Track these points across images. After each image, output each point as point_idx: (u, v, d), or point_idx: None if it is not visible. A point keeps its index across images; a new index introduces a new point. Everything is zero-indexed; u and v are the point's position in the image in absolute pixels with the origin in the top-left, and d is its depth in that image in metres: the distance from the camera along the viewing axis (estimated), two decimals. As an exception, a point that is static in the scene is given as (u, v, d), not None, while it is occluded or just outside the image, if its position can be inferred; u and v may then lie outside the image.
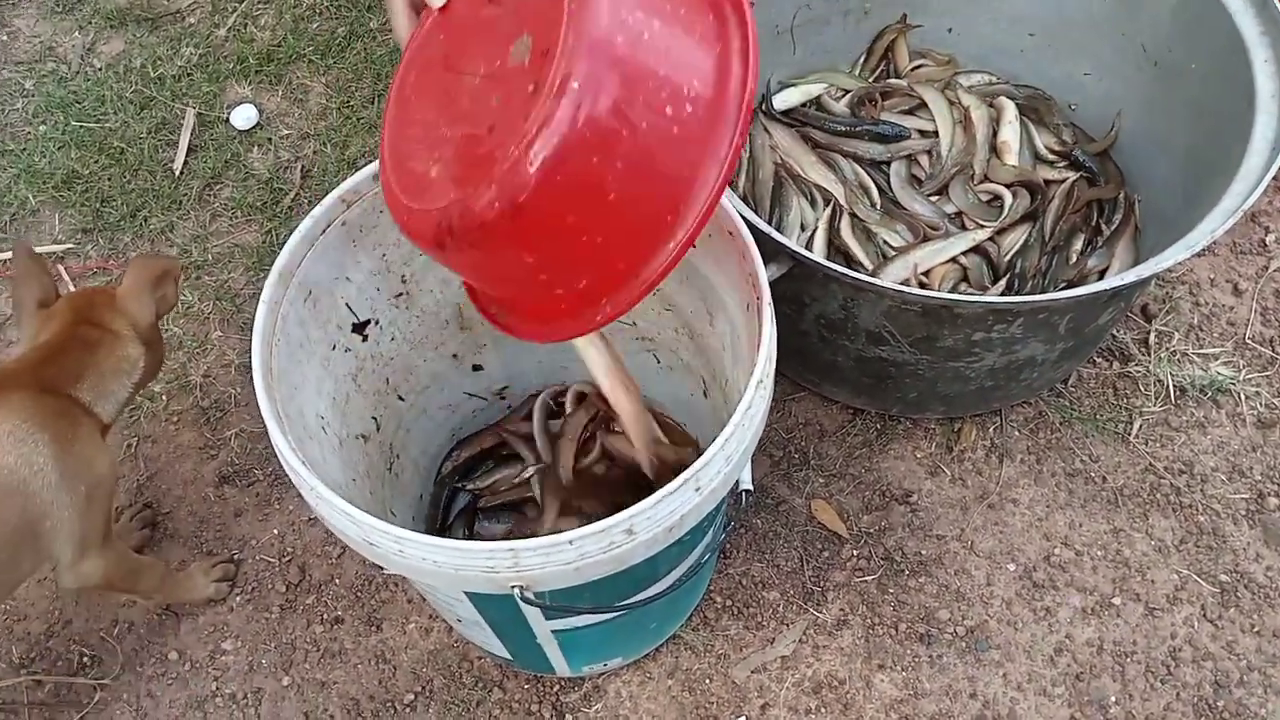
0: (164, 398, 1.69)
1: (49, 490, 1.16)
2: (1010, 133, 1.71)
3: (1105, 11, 1.61)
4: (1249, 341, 1.70)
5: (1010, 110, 1.73)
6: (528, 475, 1.49)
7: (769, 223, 1.67)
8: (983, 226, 1.62)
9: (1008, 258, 1.61)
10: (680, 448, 1.40)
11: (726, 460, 0.96)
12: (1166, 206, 1.56)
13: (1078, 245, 1.64)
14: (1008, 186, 1.67)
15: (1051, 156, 1.72)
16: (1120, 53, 1.62)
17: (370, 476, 1.26)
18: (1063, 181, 1.68)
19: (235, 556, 1.54)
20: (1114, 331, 1.70)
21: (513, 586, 0.92)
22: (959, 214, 1.66)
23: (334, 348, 1.17)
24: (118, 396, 1.28)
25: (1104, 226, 1.67)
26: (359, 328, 1.21)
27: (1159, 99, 1.59)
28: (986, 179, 1.69)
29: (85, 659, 1.47)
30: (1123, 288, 1.26)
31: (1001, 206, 1.66)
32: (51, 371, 1.23)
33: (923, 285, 1.58)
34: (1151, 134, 1.64)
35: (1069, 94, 1.77)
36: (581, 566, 0.92)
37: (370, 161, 1.85)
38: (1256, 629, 1.46)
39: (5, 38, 2.12)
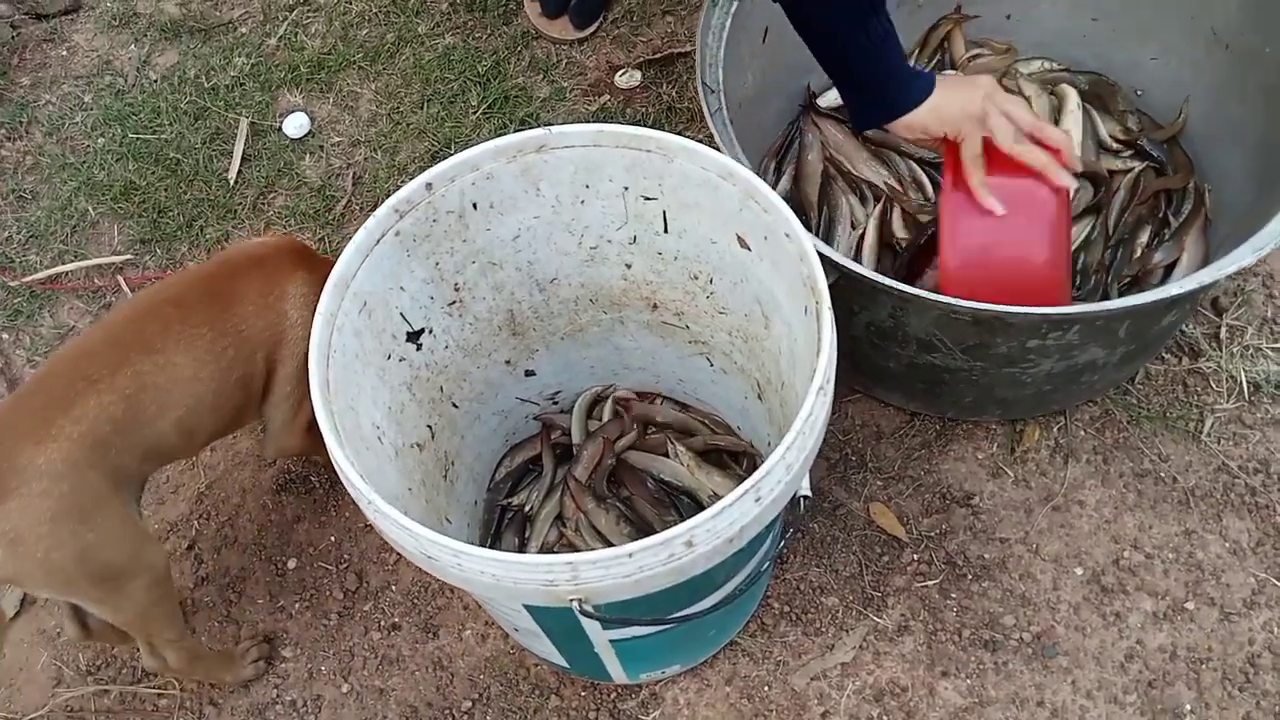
0: (222, 406, 1.70)
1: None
2: (1072, 122, 1.65)
3: None
4: (1327, 335, 1.63)
5: (1073, 98, 1.67)
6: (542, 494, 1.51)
7: (817, 221, 1.64)
8: None
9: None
10: None
11: (787, 469, 0.94)
12: (1239, 197, 1.50)
13: (1143, 238, 1.59)
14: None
15: (1116, 145, 1.67)
16: (1189, 36, 1.56)
17: (426, 485, 1.26)
18: (1128, 172, 1.62)
19: (270, 635, 1.51)
20: (1182, 328, 1.65)
21: (571, 600, 0.91)
22: None
23: (389, 357, 1.17)
24: None
25: (1172, 218, 1.61)
26: (413, 336, 1.21)
27: (1231, 84, 1.53)
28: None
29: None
30: (1182, 295, 1.21)
31: None
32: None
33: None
34: (1222, 121, 1.58)
35: (1134, 80, 1.71)
36: (640, 579, 0.91)
37: (420, 169, 1.88)
38: (1340, 635, 1.41)
39: (64, 52, 2.16)
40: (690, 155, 1.11)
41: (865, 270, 1.23)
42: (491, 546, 1.46)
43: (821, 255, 1.22)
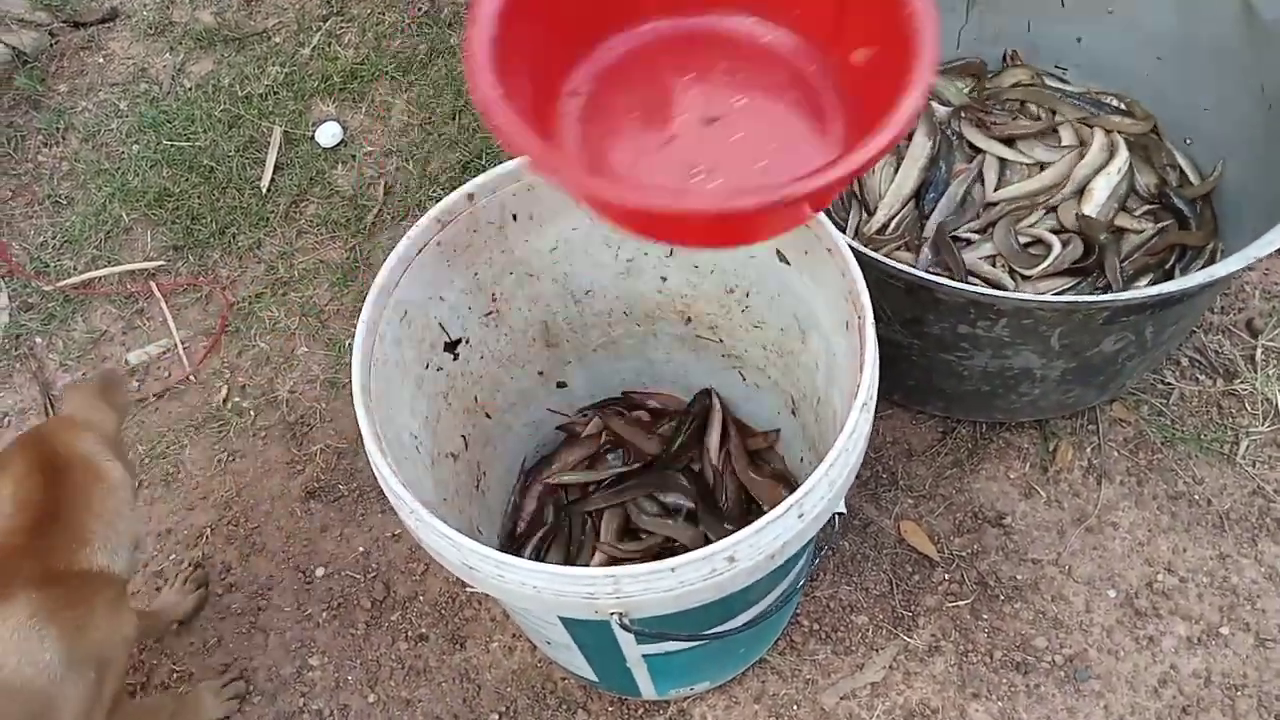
0: (251, 413, 1.71)
1: (55, 685, 1.05)
2: (1104, 183, 1.57)
3: (1234, 44, 1.49)
4: (1365, 359, 1.61)
5: (1121, 158, 1.59)
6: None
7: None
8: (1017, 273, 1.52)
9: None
10: None
11: (830, 485, 0.93)
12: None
13: (1143, 283, 1.52)
14: (1061, 233, 1.55)
15: (1147, 199, 1.60)
16: (1240, 91, 1.51)
17: (460, 495, 1.26)
18: (1140, 232, 1.55)
19: (245, 671, 1.49)
20: (1197, 351, 1.63)
21: (612, 613, 0.91)
22: (996, 255, 1.55)
23: (427, 366, 1.17)
24: (129, 538, 1.15)
25: (1179, 273, 1.53)
26: (451, 346, 1.21)
27: (1267, 144, 1.48)
28: (1054, 215, 1.57)
29: (176, 674, 1.49)
30: (1118, 309, 1.18)
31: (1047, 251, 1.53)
32: (50, 542, 1.09)
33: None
34: (1250, 181, 1.53)
35: (1185, 127, 1.65)
36: (681, 594, 0.90)
37: (452, 179, 1.88)
38: (1379, 664, 1.38)
39: (101, 60, 2.18)
40: (732, 169, 1.11)
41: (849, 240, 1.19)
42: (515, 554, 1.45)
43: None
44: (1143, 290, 1.18)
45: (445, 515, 1.15)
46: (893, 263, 1.22)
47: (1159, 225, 1.57)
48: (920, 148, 1.60)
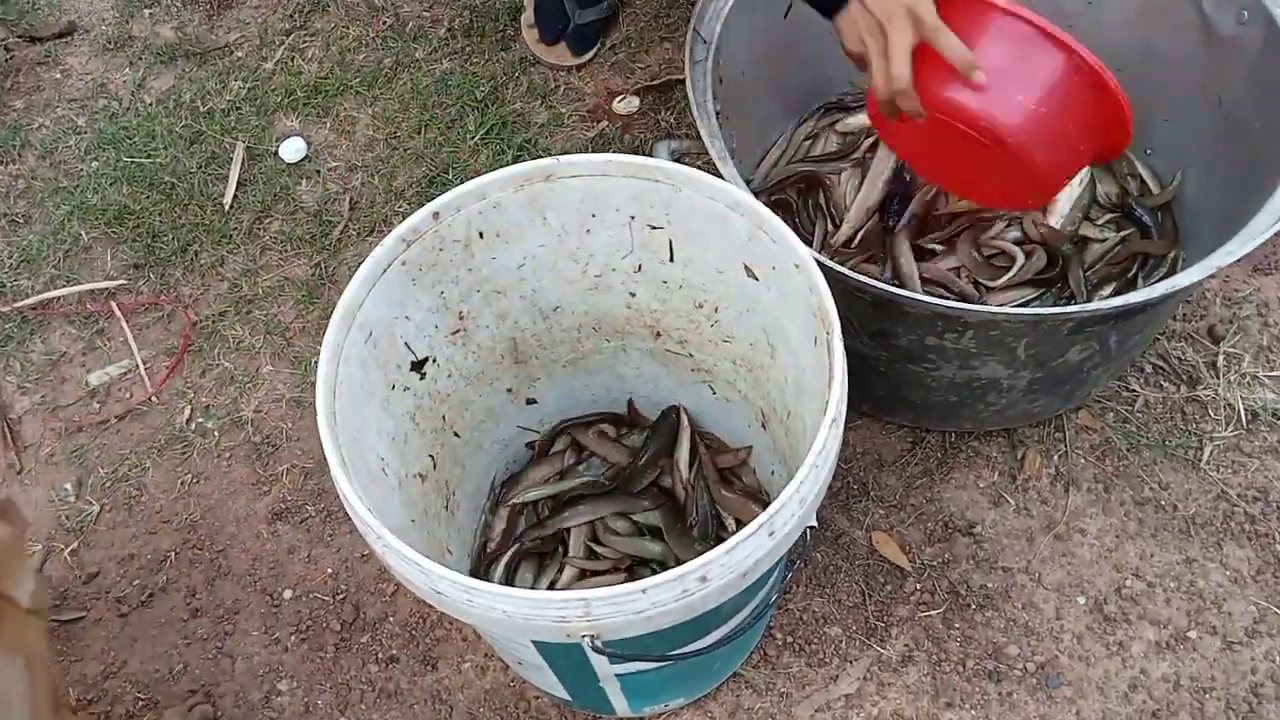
0: (215, 434, 1.68)
1: None
2: (1066, 194, 1.56)
3: (1193, 56, 1.50)
4: (1323, 363, 1.64)
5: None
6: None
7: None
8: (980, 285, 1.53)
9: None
10: None
11: (800, 503, 0.93)
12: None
13: (1106, 292, 1.53)
14: (1025, 244, 1.55)
15: (1108, 207, 1.61)
16: (1197, 101, 1.52)
17: (429, 516, 1.25)
18: (1101, 242, 1.57)
19: (212, 698, 1.45)
20: (1161, 358, 1.65)
21: (583, 636, 0.90)
22: (959, 267, 1.55)
23: (393, 387, 1.15)
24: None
25: (1141, 281, 1.55)
26: (417, 366, 1.20)
27: (1225, 155, 1.50)
28: (1018, 227, 1.57)
29: (142, 701, 1.47)
30: (1082, 320, 1.21)
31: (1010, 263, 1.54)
32: None
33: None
34: (1209, 190, 1.55)
35: (1146, 137, 1.60)
36: (653, 615, 0.90)
37: (418, 194, 1.87)
38: (1343, 665, 1.40)
39: (58, 75, 2.14)
40: (698, 185, 1.11)
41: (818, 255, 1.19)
42: (484, 574, 1.43)
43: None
44: (1106, 302, 1.19)
45: (414, 537, 1.14)
46: (859, 276, 1.22)
47: (1121, 234, 1.58)
48: (884, 160, 1.60)
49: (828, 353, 0.99)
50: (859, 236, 1.58)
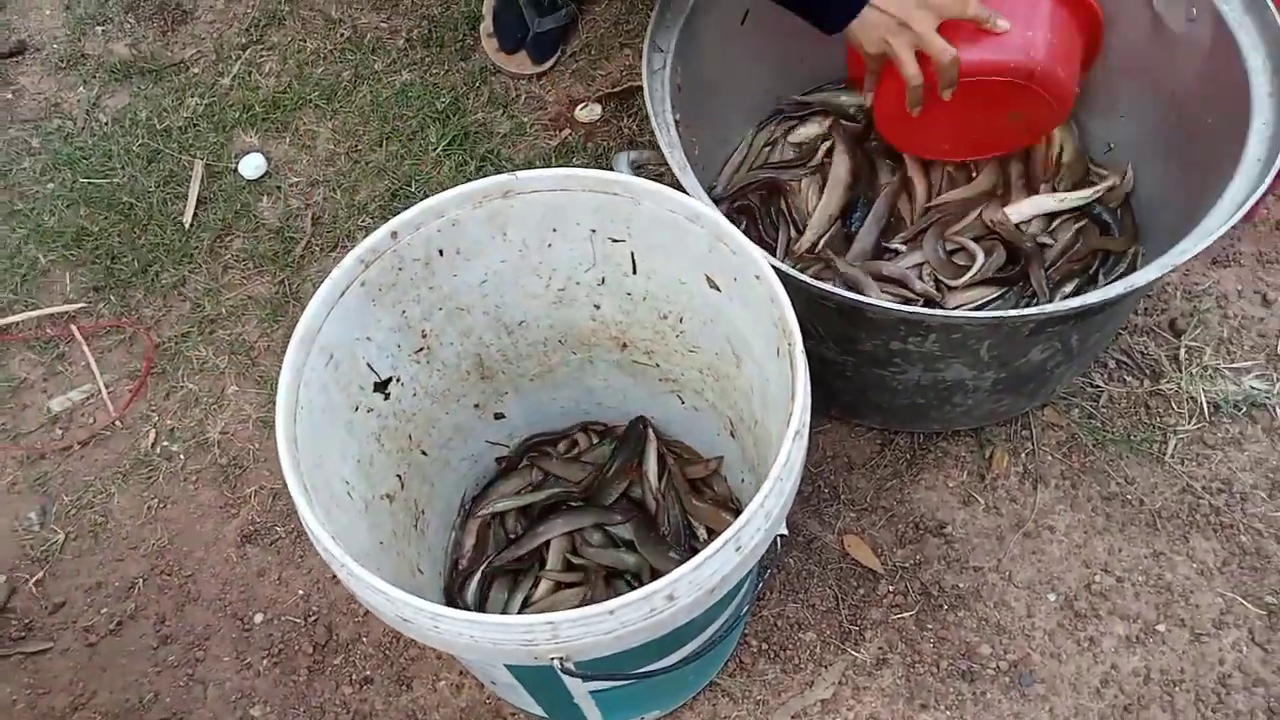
0: (181, 457, 1.66)
1: None
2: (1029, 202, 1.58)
3: (1146, 53, 1.51)
4: (1282, 354, 1.67)
5: None
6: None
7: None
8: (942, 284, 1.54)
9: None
10: None
11: (766, 516, 0.93)
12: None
13: (1068, 290, 1.54)
14: (982, 240, 1.56)
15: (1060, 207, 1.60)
16: (1150, 98, 1.54)
17: (398, 536, 1.24)
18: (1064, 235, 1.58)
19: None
20: (1124, 353, 1.67)
21: (553, 659, 0.90)
22: (923, 264, 1.56)
23: (356, 409, 1.14)
24: None
25: (1102, 277, 1.56)
26: (381, 386, 1.19)
27: (1178, 151, 1.51)
28: (983, 223, 1.57)
29: (112, 730, 1.45)
30: (1042, 320, 1.22)
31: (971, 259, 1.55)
32: None
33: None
34: (1165, 186, 1.56)
35: (1107, 133, 1.66)
36: (622, 634, 0.89)
37: (381, 207, 1.86)
38: (1308, 653, 1.42)
39: (10, 96, 2.11)
40: (657, 198, 1.11)
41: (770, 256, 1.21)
42: (458, 592, 1.42)
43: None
44: (1064, 303, 1.20)
45: (382, 560, 1.13)
46: (821, 284, 1.22)
47: (1077, 226, 1.59)
48: (841, 167, 1.61)
49: (790, 364, 0.99)
50: (821, 243, 1.59)
